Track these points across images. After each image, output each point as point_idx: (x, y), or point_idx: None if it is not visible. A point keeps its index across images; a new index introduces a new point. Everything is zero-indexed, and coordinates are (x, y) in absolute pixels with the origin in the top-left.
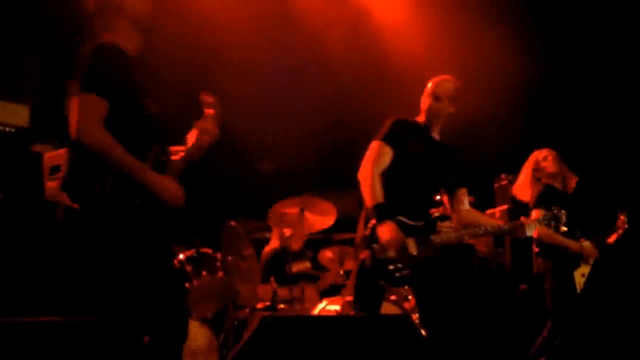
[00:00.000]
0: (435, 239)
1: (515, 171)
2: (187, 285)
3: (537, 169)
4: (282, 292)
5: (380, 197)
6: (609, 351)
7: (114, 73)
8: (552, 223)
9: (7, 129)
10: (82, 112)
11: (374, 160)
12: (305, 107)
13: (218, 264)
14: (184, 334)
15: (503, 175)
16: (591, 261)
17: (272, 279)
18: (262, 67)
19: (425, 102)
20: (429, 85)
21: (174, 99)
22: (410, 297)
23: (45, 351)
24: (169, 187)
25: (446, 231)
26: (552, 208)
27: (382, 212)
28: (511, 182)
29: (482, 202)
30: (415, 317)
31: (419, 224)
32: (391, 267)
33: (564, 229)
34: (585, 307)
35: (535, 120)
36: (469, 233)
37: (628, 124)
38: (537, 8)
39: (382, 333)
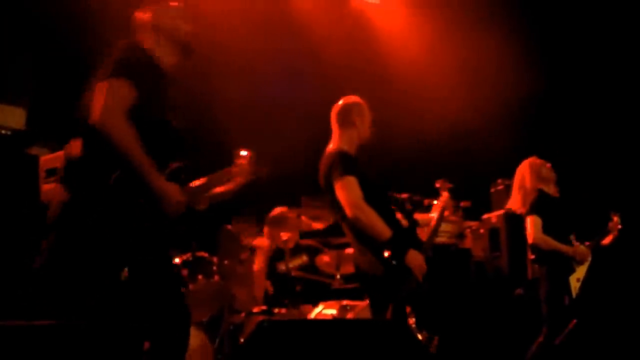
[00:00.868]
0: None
1: (512, 176)
2: (182, 289)
3: (532, 177)
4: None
5: (388, 228)
6: (605, 355)
7: (145, 70)
8: None
9: (4, 132)
10: (109, 95)
11: (360, 195)
12: (302, 111)
13: (214, 268)
14: (185, 340)
15: (499, 180)
16: (586, 264)
17: (268, 283)
18: (259, 71)
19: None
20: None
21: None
22: None
23: (40, 356)
24: (173, 195)
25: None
26: None
27: (401, 242)
28: (508, 187)
29: (479, 207)
30: (412, 321)
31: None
32: (419, 293)
33: None
34: (581, 311)
35: (531, 125)
36: (430, 237)
37: (620, 128)
38: (535, 16)
39: (378, 337)
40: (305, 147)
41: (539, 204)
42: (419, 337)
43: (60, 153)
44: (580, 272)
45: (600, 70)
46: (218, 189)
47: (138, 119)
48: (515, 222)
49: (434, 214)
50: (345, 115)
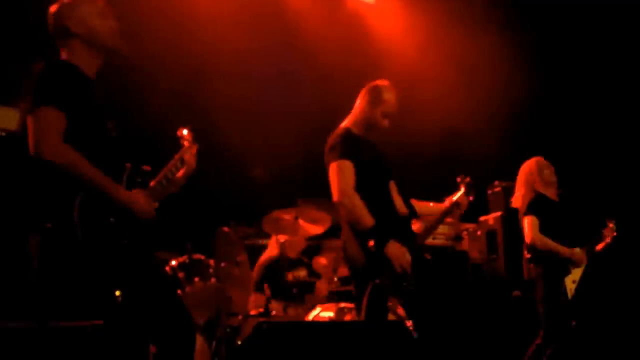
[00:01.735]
0: (418, 239)
1: (508, 178)
2: (179, 292)
3: (536, 176)
4: (276, 305)
5: (371, 217)
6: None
7: (69, 87)
8: None
9: None
10: (39, 126)
11: (350, 182)
12: (298, 112)
13: (211, 270)
14: (191, 344)
15: (496, 182)
16: (582, 267)
17: (265, 286)
18: (254, 73)
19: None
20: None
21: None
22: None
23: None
24: (140, 201)
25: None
26: None
27: (383, 232)
28: (504, 189)
29: (475, 209)
30: (409, 323)
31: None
32: (405, 283)
33: None
34: (576, 313)
35: (527, 127)
36: (429, 226)
37: (617, 131)
38: (531, 18)
39: (376, 339)
40: (301, 148)
41: (537, 205)
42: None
43: None
44: (576, 274)
45: (597, 73)
46: (179, 174)
47: (76, 136)
48: (512, 224)
49: (444, 205)
50: (362, 96)
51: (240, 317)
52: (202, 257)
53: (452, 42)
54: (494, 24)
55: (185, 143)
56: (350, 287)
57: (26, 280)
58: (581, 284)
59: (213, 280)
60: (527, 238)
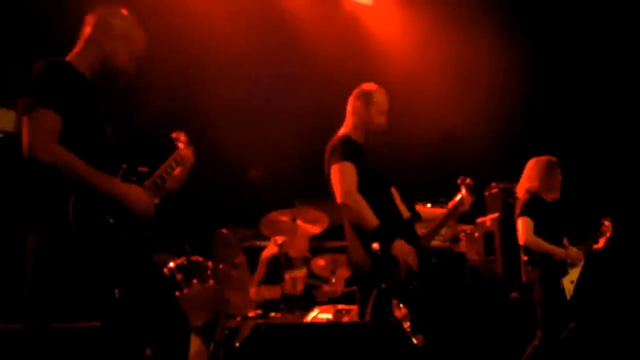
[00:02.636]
0: (423, 241)
1: (506, 179)
2: (177, 293)
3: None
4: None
5: (376, 217)
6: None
7: (66, 89)
8: None
9: None
10: (33, 127)
11: (353, 183)
12: (295, 114)
13: (209, 272)
14: (186, 345)
15: (493, 184)
16: (579, 267)
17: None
18: (252, 74)
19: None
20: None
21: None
22: (401, 305)
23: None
24: (140, 197)
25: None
26: None
27: (388, 232)
28: (502, 191)
29: (473, 210)
30: (407, 325)
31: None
32: (411, 286)
33: None
34: (575, 314)
35: (525, 129)
36: (433, 230)
37: (613, 132)
38: (528, 20)
39: (374, 341)
40: (299, 150)
41: (531, 206)
42: (414, 340)
43: None
44: (574, 274)
45: (594, 75)
46: (175, 173)
47: (73, 138)
48: (509, 225)
49: (446, 209)
50: (355, 102)
51: (238, 318)
52: (201, 259)
53: (449, 43)
54: (490, 25)
55: (180, 145)
56: (348, 289)
57: (22, 281)
58: (581, 282)
59: (211, 282)
60: (521, 240)
